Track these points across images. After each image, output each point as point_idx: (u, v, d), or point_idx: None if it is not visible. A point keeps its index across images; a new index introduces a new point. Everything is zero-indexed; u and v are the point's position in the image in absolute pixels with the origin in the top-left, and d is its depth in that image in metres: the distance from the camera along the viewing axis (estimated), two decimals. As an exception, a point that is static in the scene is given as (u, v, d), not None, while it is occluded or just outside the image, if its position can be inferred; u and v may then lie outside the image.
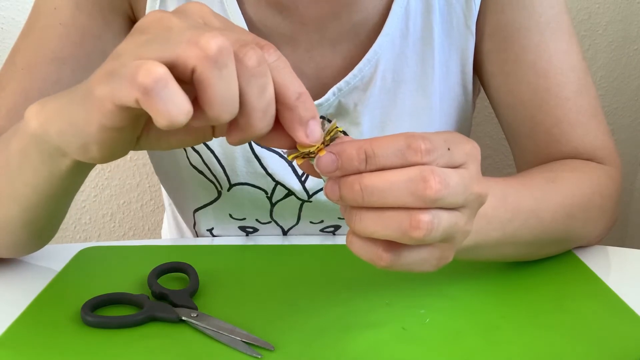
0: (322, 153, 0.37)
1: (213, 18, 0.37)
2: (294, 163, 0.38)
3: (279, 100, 0.36)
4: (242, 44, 0.34)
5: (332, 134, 0.38)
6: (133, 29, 0.37)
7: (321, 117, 0.65)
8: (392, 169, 0.37)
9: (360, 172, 0.37)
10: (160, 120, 0.32)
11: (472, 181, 0.39)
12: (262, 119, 0.35)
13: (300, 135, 0.37)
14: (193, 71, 0.33)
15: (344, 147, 0.37)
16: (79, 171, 0.46)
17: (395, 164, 0.37)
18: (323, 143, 0.38)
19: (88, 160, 0.41)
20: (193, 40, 0.33)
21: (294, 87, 0.37)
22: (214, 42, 0.32)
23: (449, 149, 0.38)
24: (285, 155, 0.38)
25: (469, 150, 0.39)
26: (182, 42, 0.33)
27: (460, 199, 0.38)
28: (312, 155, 0.38)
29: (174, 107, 0.32)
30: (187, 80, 0.34)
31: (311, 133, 0.37)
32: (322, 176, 0.39)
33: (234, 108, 0.34)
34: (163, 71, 0.32)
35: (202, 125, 0.35)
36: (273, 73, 0.36)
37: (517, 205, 0.52)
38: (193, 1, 0.38)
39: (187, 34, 0.33)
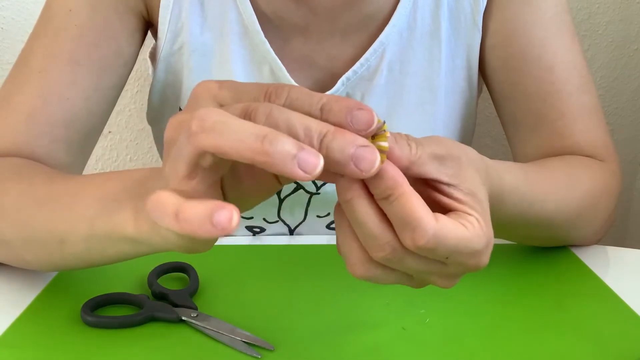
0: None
1: (220, 91, 0.36)
2: None
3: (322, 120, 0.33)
4: (246, 109, 0.33)
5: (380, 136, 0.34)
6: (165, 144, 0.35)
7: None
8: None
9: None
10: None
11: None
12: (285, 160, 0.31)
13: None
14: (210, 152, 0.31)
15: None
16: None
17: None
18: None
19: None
20: (188, 135, 0.32)
21: (313, 105, 0.33)
22: (201, 123, 0.31)
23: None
24: None
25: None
26: (186, 141, 0.32)
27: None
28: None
29: None
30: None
31: (357, 122, 0.32)
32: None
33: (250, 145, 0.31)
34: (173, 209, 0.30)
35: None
36: (293, 108, 0.33)
37: (537, 214, 0.52)
38: (199, 83, 0.36)
39: (183, 135, 0.32)
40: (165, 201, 0.31)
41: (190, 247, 0.36)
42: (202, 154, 0.32)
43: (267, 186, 0.37)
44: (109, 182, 0.43)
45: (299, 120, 0.32)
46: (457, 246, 0.35)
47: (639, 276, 0.59)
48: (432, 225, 0.34)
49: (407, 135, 0.37)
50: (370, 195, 0.35)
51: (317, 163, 0.30)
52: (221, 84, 0.36)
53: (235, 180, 0.36)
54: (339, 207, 0.37)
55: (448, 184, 0.37)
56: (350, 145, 0.31)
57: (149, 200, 0.31)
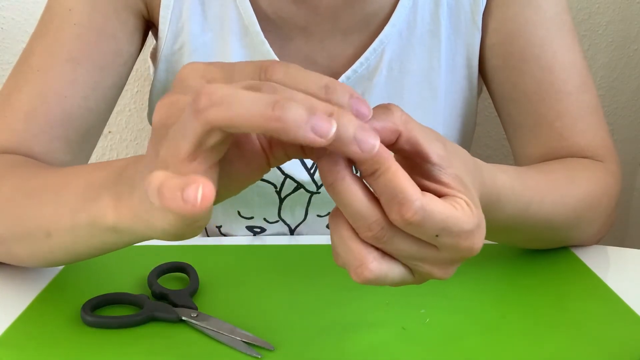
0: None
1: (210, 70, 0.35)
2: None
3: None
4: (250, 87, 0.32)
5: None
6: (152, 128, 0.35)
7: None
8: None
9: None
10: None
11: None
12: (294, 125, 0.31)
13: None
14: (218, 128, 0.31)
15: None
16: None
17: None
18: None
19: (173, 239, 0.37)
20: (196, 112, 0.31)
21: (316, 83, 0.33)
22: (211, 97, 0.30)
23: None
24: None
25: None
26: (192, 119, 0.31)
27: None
28: None
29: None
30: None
31: (357, 108, 0.33)
32: None
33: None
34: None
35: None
36: (293, 85, 0.33)
37: (534, 215, 0.53)
38: (185, 65, 0.35)
39: (190, 108, 0.31)
40: (154, 177, 0.31)
41: (173, 232, 0.34)
42: (210, 131, 0.31)
43: (255, 169, 0.36)
44: (94, 172, 0.43)
45: (304, 99, 0.31)
46: (445, 222, 0.34)
47: (639, 276, 0.59)
48: (418, 197, 0.33)
49: (387, 104, 0.37)
50: (355, 175, 0.34)
51: (331, 126, 0.30)
52: (208, 64, 0.35)
53: (226, 163, 0.36)
54: (332, 215, 0.36)
55: (438, 166, 0.36)
56: (354, 127, 0.31)
57: (144, 181, 0.31)
